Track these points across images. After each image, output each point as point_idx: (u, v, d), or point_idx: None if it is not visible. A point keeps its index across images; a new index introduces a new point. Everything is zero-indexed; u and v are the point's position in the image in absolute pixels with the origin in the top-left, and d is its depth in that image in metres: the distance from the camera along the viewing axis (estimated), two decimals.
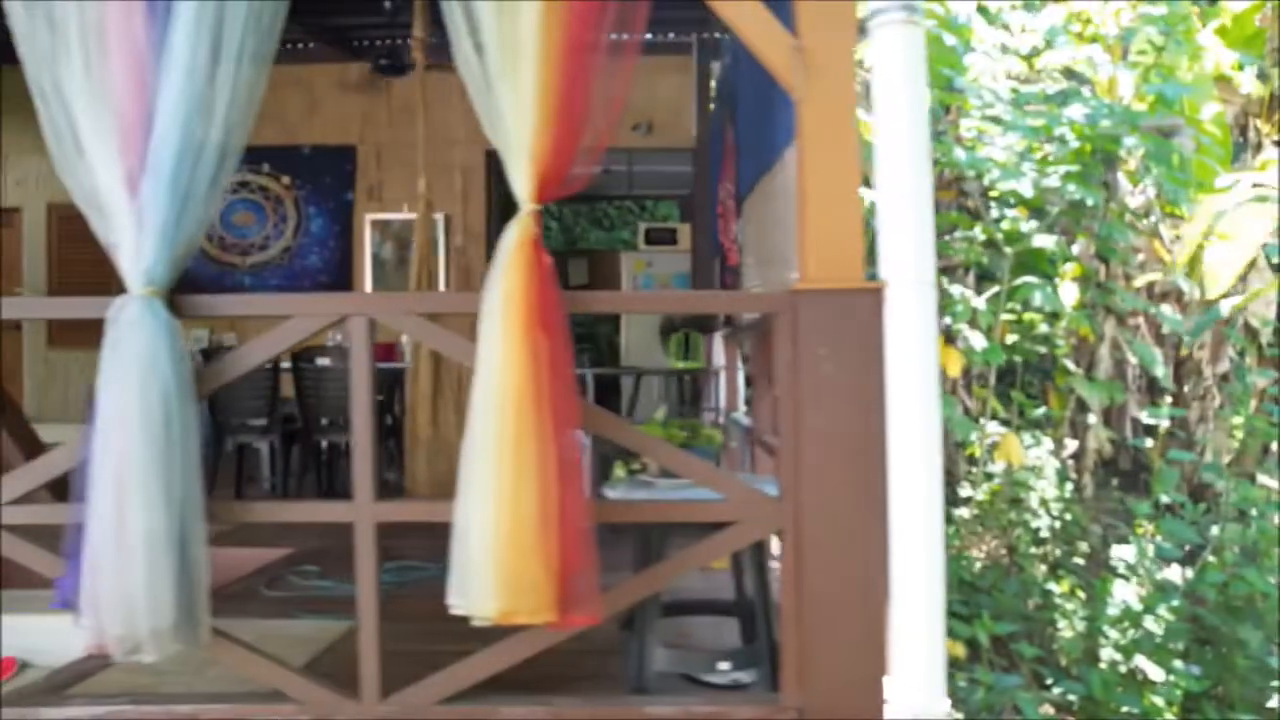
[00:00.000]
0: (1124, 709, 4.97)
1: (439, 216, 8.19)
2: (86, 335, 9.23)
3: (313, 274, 8.27)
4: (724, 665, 2.46)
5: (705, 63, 8.08)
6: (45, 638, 4.00)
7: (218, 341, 8.22)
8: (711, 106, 8.47)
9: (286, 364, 5.37)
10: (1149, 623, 5.40)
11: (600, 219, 13.57)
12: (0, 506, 2.35)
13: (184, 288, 8.28)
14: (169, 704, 2.34)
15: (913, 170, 2.29)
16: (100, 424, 2.13)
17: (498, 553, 2.06)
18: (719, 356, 5.48)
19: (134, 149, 2.19)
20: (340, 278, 8.23)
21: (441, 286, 8.15)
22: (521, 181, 2.24)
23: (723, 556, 2.46)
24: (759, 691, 2.56)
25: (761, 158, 3.96)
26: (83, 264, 8.29)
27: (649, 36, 8.01)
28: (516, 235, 2.21)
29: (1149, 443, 7.18)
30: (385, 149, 8.27)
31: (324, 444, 5.43)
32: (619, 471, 2.68)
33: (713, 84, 7.93)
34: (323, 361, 5.15)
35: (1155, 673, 5.00)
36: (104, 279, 8.97)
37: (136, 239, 2.18)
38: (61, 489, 2.52)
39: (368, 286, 8.18)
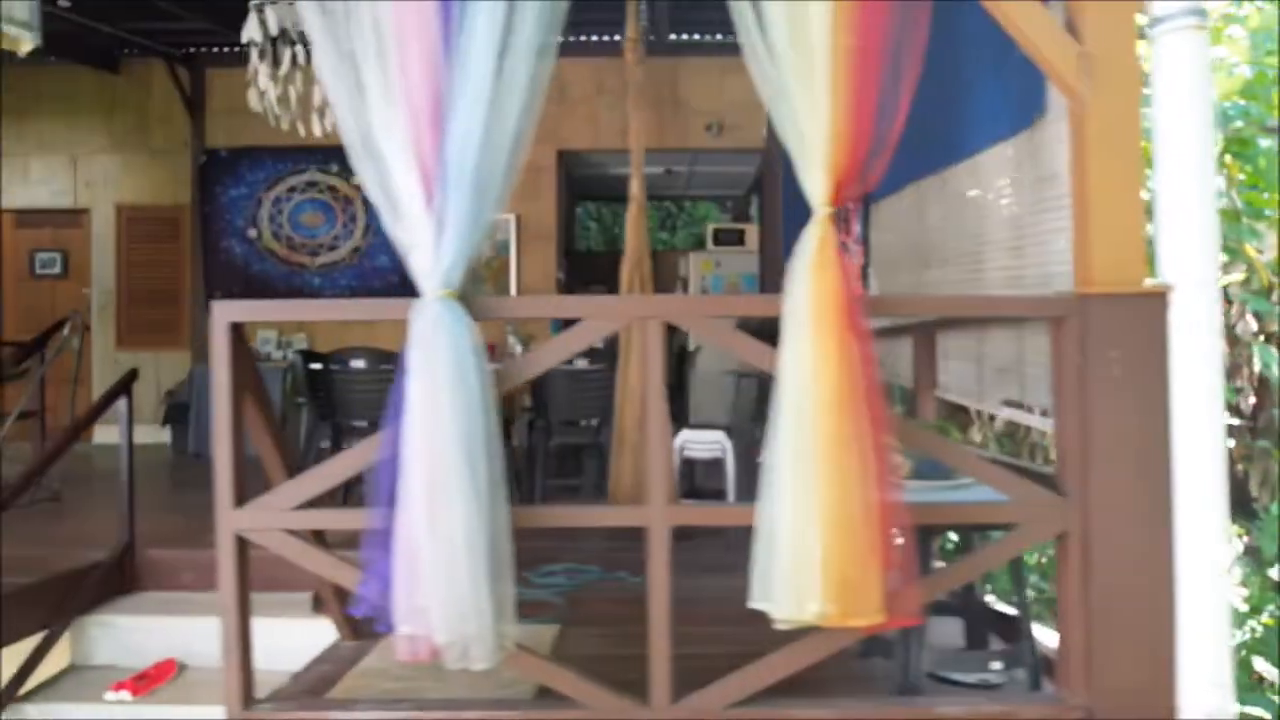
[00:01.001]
0: (1245, 709, 5.00)
1: (510, 217, 8.19)
2: (153, 337, 9.22)
3: (383, 274, 8.24)
4: (996, 665, 2.47)
5: None
6: (194, 639, 4.02)
7: (287, 343, 8.20)
8: None
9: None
10: (1255, 624, 5.44)
11: None
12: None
13: (253, 289, 8.31)
14: (454, 710, 2.33)
15: (1198, 175, 2.31)
16: (409, 427, 2.10)
17: (825, 556, 2.05)
18: None
19: (430, 149, 2.18)
20: (410, 278, 8.17)
21: (514, 288, 8.16)
22: (816, 184, 2.24)
23: (1009, 558, 2.46)
24: (1016, 691, 2.57)
25: (919, 162, 3.97)
26: (149, 265, 8.30)
27: (719, 37, 8.02)
28: (817, 238, 2.21)
29: (1230, 443, 7.22)
30: None
31: None
32: None
33: None
34: None
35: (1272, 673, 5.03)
36: (168, 280, 8.94)
37: (436, 241, 2.17)
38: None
39: None
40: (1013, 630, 2.76)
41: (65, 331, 6.02)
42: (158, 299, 8.20)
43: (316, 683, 2.69)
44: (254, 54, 4.41)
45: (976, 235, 3.43)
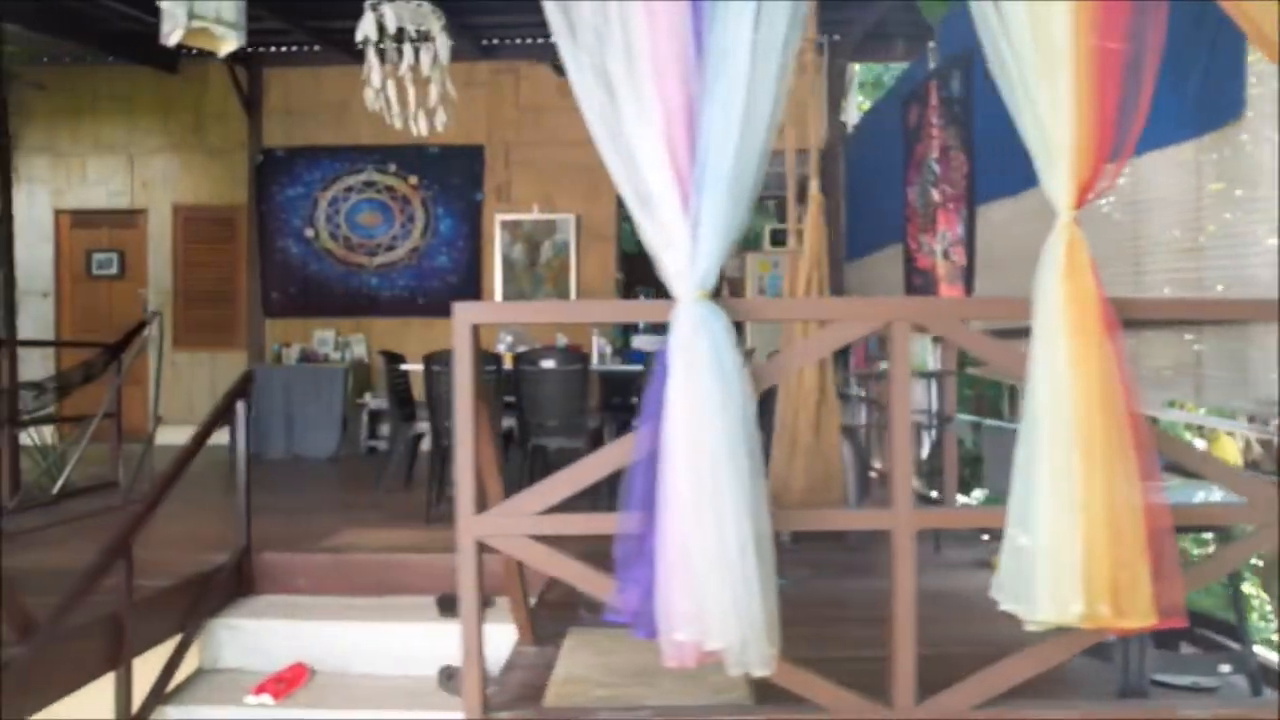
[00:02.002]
0: None
1: (570, 217, 8.17)
2: (209, 337, 9.15)
3: (441, 274, 8.20)
4: (1225, 668, 2.47)
5: (839, 64, 8.09)
6: (316, 643, 4.00)
7: (344, 343, 8.15)
8: (857, 112, 8.47)
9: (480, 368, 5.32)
10: None
11: None
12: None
13: (310, 290, 8.28)
14: (695, 715, 2.31)
15: None
16: (672, 428, 2.08)
17: (1092, 558, 2.04)
18: (928, 361, 5.49)
19: (684, 150, 2.16)
20: (469, 279, 8.16)
21: (573, 289, 8.13)
22: (1060, 187, 2.23)
23: (1246, 560, 2.46)
24: (1235, 696, 2.57)
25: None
26: (205, 265, 8.25)
27: None
28: (1066, 240, 2.20)
29: None
30: (513, 148, 8.21)
31: (530, 446, 5.37)
32: None
33: (852, 86, 7.92)
34: (546, 364, 5.09)
35: None
36: (225, 280, 8.87)
37: (692, 243, 2.15)
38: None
39: (498, 288, 8.12)
40: (1201, 635, 2.76)
41: (146, 333, 5.98)
42: (214, 299, 8.15)
43: (520, 689, 2.65)
44: (370, 52, 4.38)
45: (1133, 237, 3.42)
